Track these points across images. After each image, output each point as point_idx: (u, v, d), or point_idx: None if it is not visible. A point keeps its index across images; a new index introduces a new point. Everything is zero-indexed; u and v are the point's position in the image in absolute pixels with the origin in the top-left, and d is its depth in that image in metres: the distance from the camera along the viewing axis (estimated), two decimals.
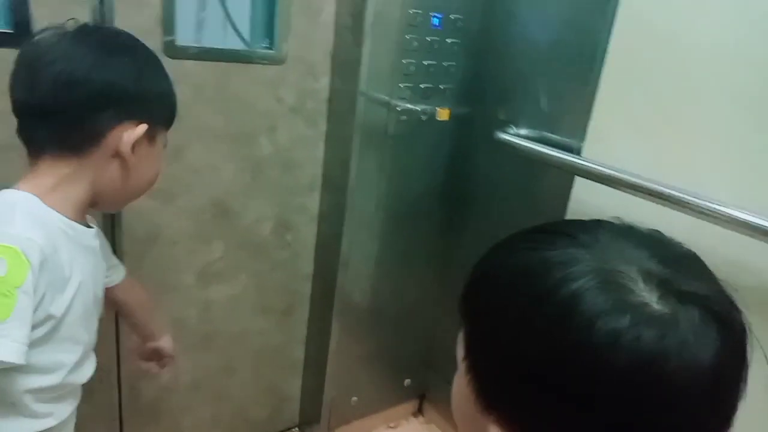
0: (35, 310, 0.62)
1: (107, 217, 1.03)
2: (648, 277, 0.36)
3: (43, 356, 0.66)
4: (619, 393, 0.33)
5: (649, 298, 0.35)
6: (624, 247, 0.38)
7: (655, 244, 0.39)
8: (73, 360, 0.72)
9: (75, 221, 0.71)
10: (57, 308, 0.66)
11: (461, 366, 0.43)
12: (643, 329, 0.33)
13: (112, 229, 1.05)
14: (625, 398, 0.33)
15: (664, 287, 0.35)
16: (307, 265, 1.35)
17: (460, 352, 0.44)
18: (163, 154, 0.80)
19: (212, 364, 1.29)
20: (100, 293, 0.79)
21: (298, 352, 1.44)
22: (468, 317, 0.43)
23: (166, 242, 1.12)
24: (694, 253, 0.40)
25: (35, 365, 0.65)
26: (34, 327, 0.63)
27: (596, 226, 0.41)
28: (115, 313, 1.06)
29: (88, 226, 0.75)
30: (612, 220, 0.42)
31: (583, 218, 0.42)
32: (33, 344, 0.63)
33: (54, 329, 0.67)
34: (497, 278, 0.41)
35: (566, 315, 0.35)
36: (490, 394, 0.40)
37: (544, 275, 0.37)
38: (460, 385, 0.43)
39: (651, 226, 0.42)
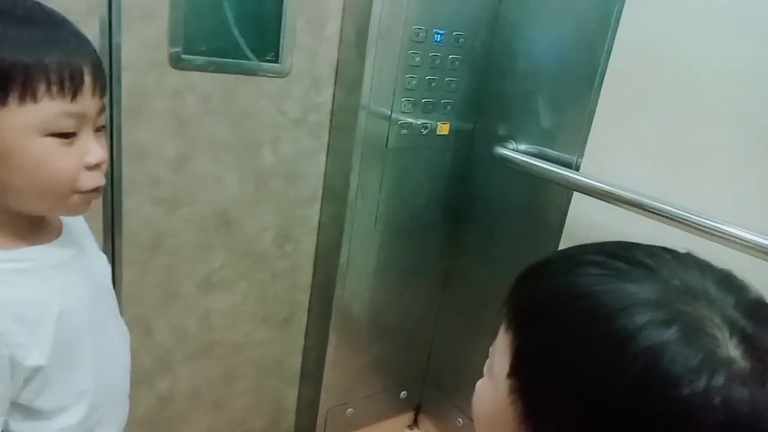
0: (13, 369, 0.55)
1: (108, 223, 1.04)
2: (734, 330, 0.35)
3: (58, 396, 0.60)
4: None
5: (735, 352, 0.34)
6: (707, 288, 0.37)
7: (735, 289, 0.38)
8: (93, 383, 0.64)
9: (21, 247, 0.57)
10: (39, 356, 0.56)
11: (502, 383, 0.41)
12: (734, 389, 0.33)
13: (112, 235, 1.05)
14: None
15: (749, 343, 0.35)
16: (306, 275, 1.36)
17: (499, 366, 0.41)
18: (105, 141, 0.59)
19: (211, 373, 1.29)
20: (101, 294, 0.68)
21: (296, 363, 1.44)
22: (522, 334, 0.40)
23: (169, 250, 1.12)
24: (765, 300, 0.39)
25: (57, 409, 0.60)
26: (26, 382, 0.57)
27: (671, 257, 0.39)
28: None
29: (50, 239, 0.61)
30: (682, 251, 0.41)
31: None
32: (40, 391, 0.58)
33: (51, 371, 0.58)
34: (567, 302, 0.39)
35: (652, 365, 0.34)
36: (545, 424, 0.38)
37: (625, 315, 0.35)
38: (496, 399, 0.41)
39: (685, 250, 0.41)
